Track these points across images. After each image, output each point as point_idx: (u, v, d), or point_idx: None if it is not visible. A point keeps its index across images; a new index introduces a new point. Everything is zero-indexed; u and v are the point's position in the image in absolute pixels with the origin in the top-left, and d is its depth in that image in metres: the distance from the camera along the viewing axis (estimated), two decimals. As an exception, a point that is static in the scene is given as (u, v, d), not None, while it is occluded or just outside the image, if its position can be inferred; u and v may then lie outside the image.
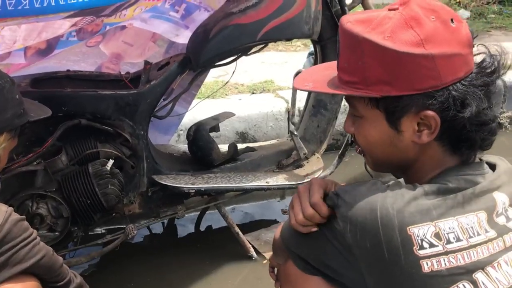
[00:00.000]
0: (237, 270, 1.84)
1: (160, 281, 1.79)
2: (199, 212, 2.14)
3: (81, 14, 1.33)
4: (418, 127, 0.85)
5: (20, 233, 1.04)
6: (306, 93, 2.15)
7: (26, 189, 1.55)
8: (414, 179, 0.89)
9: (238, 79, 2.88)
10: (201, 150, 1.87)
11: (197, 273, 1.81)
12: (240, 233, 1.89)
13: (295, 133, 1.99)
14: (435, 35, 0.81)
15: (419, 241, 0.79)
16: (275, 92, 2.83)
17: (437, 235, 0.79)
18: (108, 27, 1.70)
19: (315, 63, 2.10)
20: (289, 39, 1.87)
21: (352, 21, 0.85)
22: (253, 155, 1.99)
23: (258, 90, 2.86)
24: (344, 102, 2.15)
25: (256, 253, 1.89)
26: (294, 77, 1.81)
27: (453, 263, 0.79)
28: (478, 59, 0.87)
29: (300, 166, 2.02)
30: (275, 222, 2.11)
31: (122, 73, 1.79)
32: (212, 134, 1.91)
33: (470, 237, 0.81)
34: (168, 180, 1.73)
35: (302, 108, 2.18)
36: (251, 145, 2.07)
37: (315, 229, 0.89)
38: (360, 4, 2.07)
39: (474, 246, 0.81)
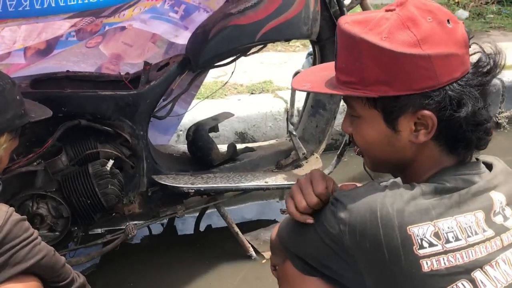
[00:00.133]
0: (237, 269, 1.85)
1: (160, 280, 1.79)
2: (198, 212, 2.14)
3: (81, 15, 1.34)
4: (415, 126, 0.86)
5: (20, 233, 1.05)
6: (305, 93, 2.16)
7: (26, 189, 1.56)
8: (411, 178, 0.90)
9: (237, 80, 2.89)
10: (201, 150, 1.88)
11: (196, 272, 1.81)
12: (239, 232, 1.90)
13: (294, 133, 1.99)
14: (431, 35, 0.82)
15: (419, 240, 0.79)
16: (274, 92, 2.84)
17: (437, 235, 0.80)
18: (107, 27, 1.71)
19: (314, 63, 2.10)
20: (288, 39, 1.88)
21: (350, 22, 0.86)
22: (252, 155, 2.00)
23: (257, 90, 2.87)
24: (342, 102, 2.16)
25: (255, 253, 1.89)
26: (293, 78, 1.81)
27: (452, 262, 0.80)
28: (474, 59, 0.88)
29: (299, 166, 2.02)
30: (274, 222, 2.12)
31: (122, 73, 1.80)
32: (211, 134, 1.91)
33: (469, 236, 0.82)
34: (167, 180, 1.74)
35: (301, 108, 2.19)
36: (250, 145, 2.07)
37: (311, 220, 0.89)
38: (359, 5, 2.08)
39: (473, 245, 0.81)
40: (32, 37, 1.49)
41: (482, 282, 0.80)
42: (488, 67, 0.87)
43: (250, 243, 1.92)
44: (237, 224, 1.93)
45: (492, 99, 0.93)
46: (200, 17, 1.84)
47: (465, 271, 0.80)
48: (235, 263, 1.86)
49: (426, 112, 0.84)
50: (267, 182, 1.87)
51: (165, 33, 1.85)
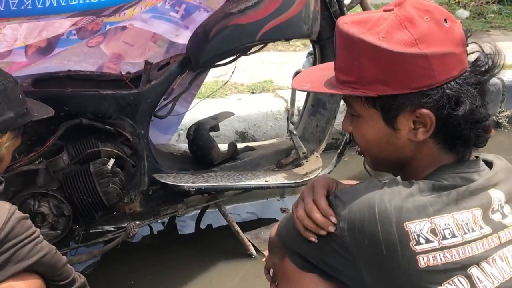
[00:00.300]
0: (237, 268, 1.85)
1: (160, 279, 1.80)
2: (199, 211, 2.15)
3: (82, 14, 1.35)
4: (414, 125, 0.87)
5: (23, 231, 1.06)
6: (305, 93, 2.17)
7: (28, 188, 1.57)
8: (410, 176, 0.91)
9: (238, 79, 2.90)
10: (201, 149, 1.89)
11: (197, 271, 1.82)
12: (240, 231, 1.90)
13: (294, 132, 2.00)
14: (429, 35, 0.83)
15: (416, 236, 0.80)
16: (274, 91, 2.85)
17: (433, 231, 0.81)
18: (108, 26, 1.72)
19: (314, 63, 2.11)
20: (288, 39, 1.88)
21: (348, 22, 0.87)
22: (253, 154, 2.00)
23: (258, 90, 2.87)
24: (343, 102, 2.16)
25: (255, 251, 1.90)
26: (293, 77, 1.82)
27: (448, 258, 0.81)
28: (472, 58, 0.89)
29: (299, 165, 2.03)
30: (274, 220, 2.13)
31: (123, 73, 1.81)
32: (212, 133, 1.92)
33: (465, 233, 0.82)
34: (168, 179, 1.75)
35: (301, 108, 2.20)
36: (250, 144, 2.08)
37: (313, 239, 0.88)
38: (359, 4, 2.08)
39: (469, 242, 0.82)
40: (33, 35, 1.49)
41: (478, 279, 0.81)
42: (486, 66, 0.88)
43: (250, 242, 1.92)
44: (237, 223, 1.93)
45: (492, 99, 0.93)
46: (200, 17, 1.85)
47: (461, 267, 0.81)
48: (235, 262, 1.87)
49: (425, 110, 0.85)
50: (267, 181, 1.88)
51: (166, 32, 1.85)
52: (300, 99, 2.20)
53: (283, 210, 2.21)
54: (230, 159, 1.94)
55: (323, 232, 0.87)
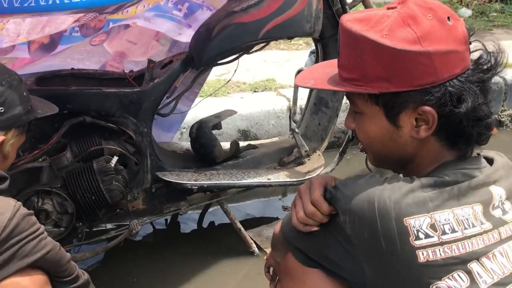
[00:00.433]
0: (239, 265, 1.86)
1: (163, 276, 1.81)
2: (201, 209, 2.16)
3: (84, 11, 1.35)
4: (416, 122, 0.88)
5: (27, 227, 1.06)
6: (308, 91, 2.17)
7: (32, 185, 1.57)
8: (413, 173, 0.91)
9: (240, 78, 2.90)
10: (204, 148, 1.90)
11: (199, 268, 1.83)
12: (242, 229, 1.91)
13: (297, 130, 2.01)
14: (431, 32, 0.83)
15: (415, 231, 0.81)
16: (276, 90, 2.85)
17: (433, 226, 0.82)
18: (111, 24, 1.73)
19: (317, 61, 2.11)
20: (290, 37, 1.89)
21: (352, 19, 0.88)
22: (255, 153, 2.01)
23: (260, 88, 2.88)
24: (345, 100, 2.17)
25: (258, 249, 1.91)
26: (296, 76, 1.83)
27: (448, 253, 0.81)
28: (475, 56, 0.89)
29: (302, 163, 2.04)
30: (276, 219, 2.13)
31: (126, 71, 1.81)
32: (214, 131, 1.93)
33: (465, 228, 0.83)
34: (171, 177, 1.75)
35: (303, 106, 2.20)
36: (253, 142, 2.09)
37: (315, 228, 0.90)
38: (361, 3, 2.08)
39: (469, 237, 0.83)
40: (36, 30, 1.50)
41: (478, 274, 0.82)
42: (489, 64, 0.88)
43: (252, 239, 1.93)
44: (239, 221, 1.94)
45: (495, 97, 0.94)
46: (203, 15, 1.86)
47: (461, 262, 0.82)
48: (237, 259, 1.88)
49: (427, 108, 0.85)
50: (269, 179, 1.88)
51: (169, 31, 1.86)
52: (303, 97, 2.20)
53: (285, 208, 2.22)
54: (233, 157, 1.94)
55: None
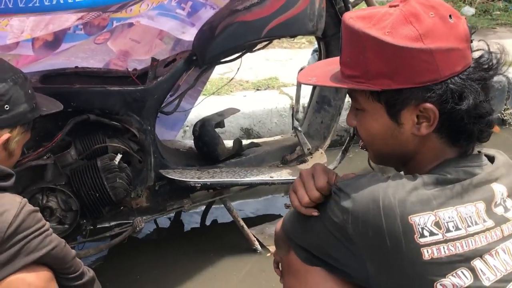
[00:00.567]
0: (242, 262, 1.87)
1: (166, 273, 1.82)
2: (204, 206, 2.17)
3: (88, 10, 1.36)
4: (418, 119, 0.88)
5: (33, 224, 1.08)
6: (310, 89, 2.18)
7: (36, 182, 1.59)
8: (414, 171, 0.91)
9: (243, 76, 2.91)
10: (207, 146, 1.90)
11: (202, 265, 1.84)
12: (245, 226, 1.92)
13: (299, 129, 2.01)
14: (433, 30, 0.84)
15: (420, 229, 0.81)
16: (279, 88, 2.86)
17: (437, 224, 0.82)
18: (115, 22, 1.74)
19: (319, 59, 2.12)
20: (293, 35, 1.89)
21: (354, 17, 0.88)
22: (258, 151, 2.02)
23: (263, 86, 2.88)
24: (347, 99, 2.17)
25: (260, 246, 1.91)
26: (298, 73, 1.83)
27: (452, 251, 0.82)
28: (476, 54, 0.90)
29: (304, 161, 2.04)
30: (279, 216, 2.14)
31: (129, 69, 1.82)
32: (217, 130, 1.94)
33: (469, 226, 0.83)
34: (174, 174, 1.76)
35: (306, 105, 2.21)
36: (255, 140, 2.09)
37: (316, 213, 0.91)
38: (364, 1, 2.09)
39: (472, 235, 0.83)
40: (39, 27, 1.51)
41: (481, 271, 0.82)
42: (490, 63, 0.89)
43: (255, 237, 1.94)
44: (242, 218, 1.95)
45: (498, 96, 0.94)
46: (206, 14, 1.87)
47: (465, 259, 0.82)
48: (240, 257, 1.89)
49: (428, 105, 0.85)
50: (272, 177, 1.89)
51: (172, 29, 1.87)
52: (305, 96, 2.21)
53: (287, 206, 2.22)
54: (236, 155, 1.95)
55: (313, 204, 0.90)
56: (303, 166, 2.02)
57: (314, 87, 2.15)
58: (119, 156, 1.65)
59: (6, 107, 1.15)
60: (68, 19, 1.49)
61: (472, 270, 0.82)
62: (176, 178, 1.75)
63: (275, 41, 2.48)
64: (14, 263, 1.06)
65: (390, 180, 0.86)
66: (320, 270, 0.93)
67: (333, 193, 0.89)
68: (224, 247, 1.93)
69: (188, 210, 1.87)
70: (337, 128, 2.19)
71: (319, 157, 2.06)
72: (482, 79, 0.87)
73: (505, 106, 2.99)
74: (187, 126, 2.37)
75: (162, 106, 1.78)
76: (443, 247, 0.82)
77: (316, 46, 2.57)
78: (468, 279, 0.82)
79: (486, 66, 0.88)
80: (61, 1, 1.21)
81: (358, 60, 0.87)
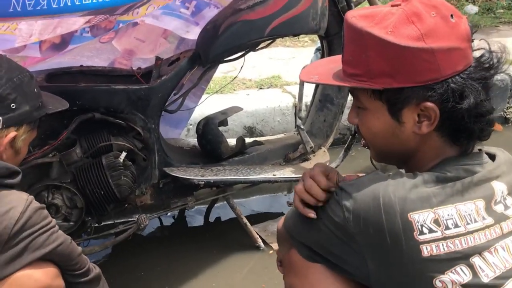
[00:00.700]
0: (245, 260, 1.88)
1: (169, 270, 1.84)
2: (208, 204, 2.18)
3: (96, 12, 1.38)
4: (419, 118, 0.89)
5: (39, 221, 1.09)
6: (313, 88, 2.18)
7: (42, 180, 1.60)
8: (415, 169, 0.92)
9: (246, 75, 2.92)
10: (210, 144, 1.92)
11: (205, 262, 1.85)
12: (248, 224, 1.93)
13: (302, 127, 2.02)
14: (435, 30, 0.85)
15: (419, 226, 0.82)
16: (282, 87, 2.86)
17: (436, 221, 0.83)
18: (121, 25, 1.75)
19: (322, 58, 2.12)
20: (296, 34, 1.90)
21: (357, 16, 0.89)
22: (261, 149, 2.03)
23: (266, 85, 2.89)
24: (350, 97, 2.18)
25: (263, 244, 1.93)
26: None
27: (451, 248, 0.83)
28: (477, 54, 0.90)
29: (307, 159, 2.05)
30: (281, 214, 2.15)
31: (134, 68, 1.84)
32: (220, 128, 1.95)
33: (468, 223, 0.84)
34: (178, 172, 1.77)
35: (309, 103, 2.21)
36: (258, 139, 2.10)
37: (312, 215, 0.92)
38: (366, 0, 2.09)
39: (472, 232, 0.84)
40: (47, 31, 1.52)
41: (480, 267, 0.83)
42: (491, 62, 0.89)
43: (258, 234, 1.95)
44: (245, 216, 1.96)
45: (500, 94, 0.95)
46: (210, 13, 1.87)
47: (463, 256, 0.83)
48: (243, 254, 1.90)
49: (429, 104, 0.86)
50: (275, 175, 1.90)
51: (176, 29, 1.88)
52: (308, 94, 2.22)
53: (290, 204, 2.23)
54: (239, 154, 1.96)
55: (320, 204, 0.90)
56: (305, 164, 2.03)
57: (317, 86, 2.16)
58: (123, 154, 1.66)
59: (13, 105, 1.16)
60: (75, 22, 1.50)
61: (471, 267, 0.83)
62: (180, 176, 1.76)
63: (278, 40, 2.50)
64: (21, 259, 1.07)
65: (390, 178, 0.87)
66: (321, 267, 0.94)
67: (335, 193, 0.90)
68: (227, 245, 1.94)
69: (192, 207, 1.88)
70: (339, 127, 2.19)
71: (322, 156, 2.06)
72: (482, 78, 0.88)
73: (508, 105, 2.99)
74: (191, 124, 2.38)
75: (166, 104, 1.79)
76: (442, 244, 0.82)
77: (319, 45, 2.58)
78: (467, 276, 0.82)
79: (487, 65, 0.89)
80: (69, 4, 1.22)
81: (360, 59, 0.88)
